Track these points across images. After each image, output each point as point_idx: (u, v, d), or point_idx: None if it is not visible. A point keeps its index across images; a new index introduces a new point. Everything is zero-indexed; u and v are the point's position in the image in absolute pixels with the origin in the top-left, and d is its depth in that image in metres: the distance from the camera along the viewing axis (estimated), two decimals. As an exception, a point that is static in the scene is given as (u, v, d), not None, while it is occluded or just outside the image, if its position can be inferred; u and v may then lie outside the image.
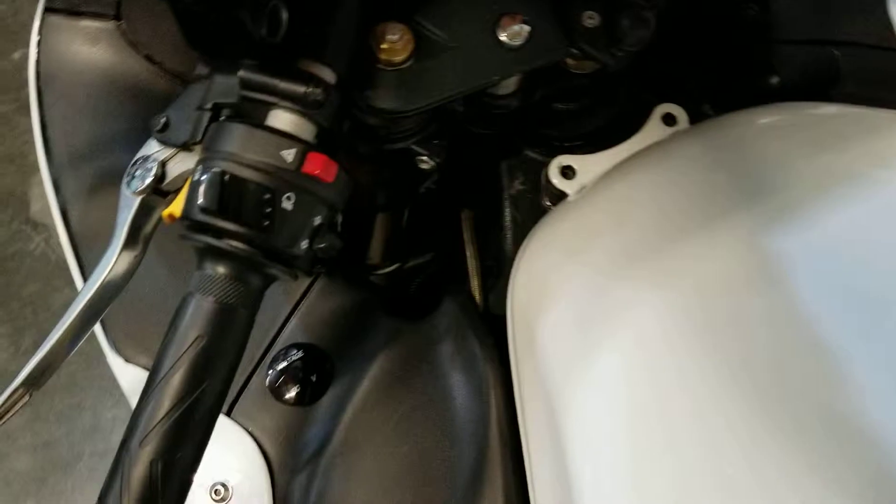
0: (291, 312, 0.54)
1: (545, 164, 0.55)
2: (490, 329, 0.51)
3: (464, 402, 0.48)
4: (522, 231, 0.55)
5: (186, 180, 0.46)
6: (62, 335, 0.45)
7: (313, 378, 0.52)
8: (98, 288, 0.44)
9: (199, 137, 0.44)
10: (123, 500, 0.36)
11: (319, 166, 0.40)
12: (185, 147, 0.45)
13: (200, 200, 0.39)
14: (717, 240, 0.39)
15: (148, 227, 0.46)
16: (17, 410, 0.46)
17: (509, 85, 0.51)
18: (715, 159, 0.45)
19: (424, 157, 0.51)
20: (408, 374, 0.51)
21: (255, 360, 0.53)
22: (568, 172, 0.53)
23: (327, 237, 0.41)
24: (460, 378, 0.49)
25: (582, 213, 0.47)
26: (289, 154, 0.40)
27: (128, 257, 0.45)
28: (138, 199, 0.46)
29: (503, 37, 0.46)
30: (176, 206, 0.43)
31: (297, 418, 0.51)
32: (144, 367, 0.53)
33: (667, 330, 0.36)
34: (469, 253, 0.57)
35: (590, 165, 0.53)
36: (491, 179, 0.58)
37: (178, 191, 0.46)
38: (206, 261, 0.40)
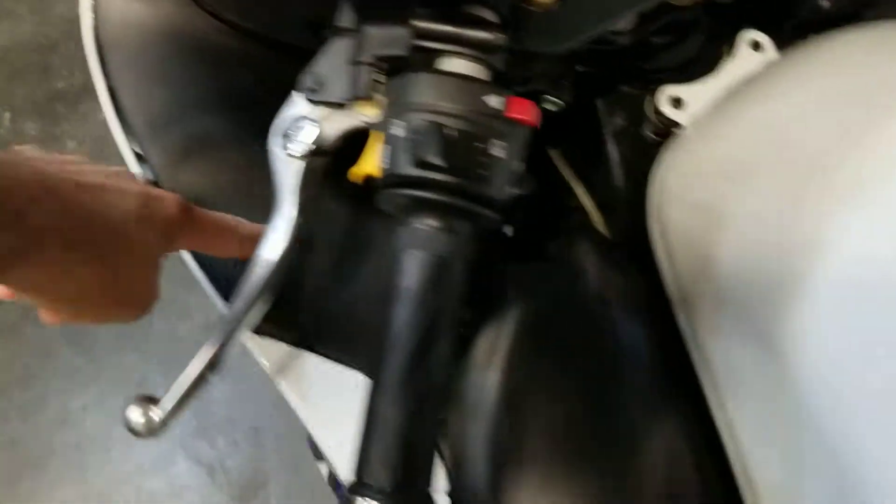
0: None
1: (642, 98, 0.57)
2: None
3: (623, 333, 0.50)
4: (630, 165, 0.57)
5: (349, 139, 0.45)
6: (242, 310, 0.43)
7: (459, 330, 0.52)
8: (279, 259, 0.43)
9: (361, 93, 0.43)
10: (387, 461, 0.36)
11: (524, 110, 0.40)
12: (343, 105, 0.44)
13: (419, 155, 0.37)
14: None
15: (311, 190, 0.44)
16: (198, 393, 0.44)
17: (629, 21, 0.51)
18: (846, 74, 0.47)
19: (553, 98, 0.51)
20: (557, 315, 0.51)
21: None
22: (676, 103, 0.55)
23: (530, 181, 0.41)
24: (614, 311, 0.51)
25: (729, 139, 0.49)
26: (491, 100, 0.39)
27: (299, 223, 0.43)
28: (300, 163, 0.44)
29: (637, -29, 0.47)
30: (368, 166, 0.42)
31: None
32: (280, 339, 0.52)
33: (875, 250, 0.38)
34: (580, 190, 0.58)
35: (696, 95, 0.55)
36: (583, 118, 0.59)
37: (340, 150, 0.45)
38: (414, 215, 0.39)
